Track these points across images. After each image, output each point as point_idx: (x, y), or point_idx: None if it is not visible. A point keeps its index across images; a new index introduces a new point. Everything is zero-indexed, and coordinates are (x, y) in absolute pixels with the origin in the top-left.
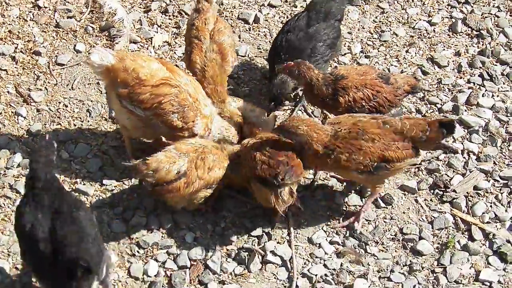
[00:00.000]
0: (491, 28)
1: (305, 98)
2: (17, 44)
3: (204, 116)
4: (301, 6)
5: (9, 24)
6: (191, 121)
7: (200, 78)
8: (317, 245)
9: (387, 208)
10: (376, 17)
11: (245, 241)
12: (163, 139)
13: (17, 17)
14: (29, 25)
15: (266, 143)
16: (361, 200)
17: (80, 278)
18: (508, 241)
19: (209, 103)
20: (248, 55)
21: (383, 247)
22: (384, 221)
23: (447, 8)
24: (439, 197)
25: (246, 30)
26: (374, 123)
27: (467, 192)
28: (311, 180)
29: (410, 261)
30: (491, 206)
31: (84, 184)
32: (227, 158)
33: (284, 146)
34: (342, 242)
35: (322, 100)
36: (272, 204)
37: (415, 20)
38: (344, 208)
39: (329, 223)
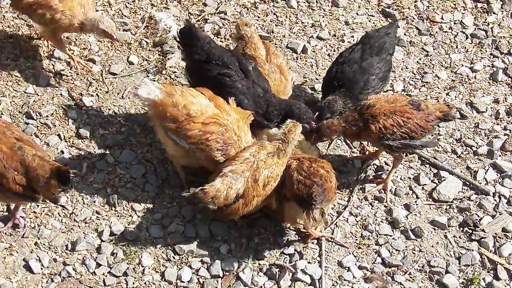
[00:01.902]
0: None
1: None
2: (73, 51)
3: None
4: (348, 42)
5: None
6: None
7: None
8: (347, 268)
9: (416, 240)
10: (420, 59)
11: (277, 257)
12: None
13: None
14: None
15: (303, 164)
16: (392, 231)
17: None
18: None
19: (249, 139)
20: (294, 82)
21: (410, 276)
22: (413, 252)
23: (489, 57)
24: (468, 235)
25: (294, 59)
26: None
27: (495, 233)
28: (345, 206)
29: None
30: None
31: (126, 189)
32: (284, 163)
33: (320, 167)
34: (370, 268)
35: (357, 135)
36: (302, 223)
37: (457, 66)
38: (375, 236)
39: (360, 247)
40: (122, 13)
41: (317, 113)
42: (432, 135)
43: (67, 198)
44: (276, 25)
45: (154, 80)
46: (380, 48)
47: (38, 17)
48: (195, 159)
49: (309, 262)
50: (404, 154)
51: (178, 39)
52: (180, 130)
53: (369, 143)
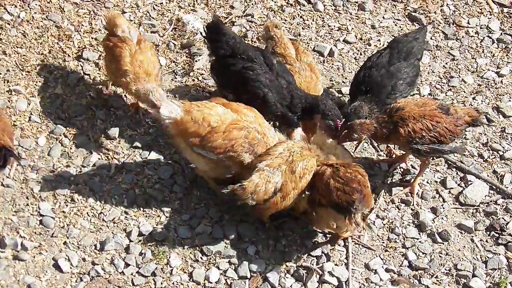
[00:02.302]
0: None
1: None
2: (102, 52)
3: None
4: (374, 45)
5: (95, 32)
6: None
7: None
8: (373, 271)
9: (443, 244)
10: (446, 63)
11: (304, 259)
12: None
13: (103, 26)
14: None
15: (338, 170)
16: (419, 234)
17: None
18: None
19: (273, 132)
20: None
21: (437, 280)
22: (440, 256)
23: None
24: (494, 239)
25: (321, 62)
26: None
27: None
28: (371, 209)
29: None
30: None
31: (155, 190)
32: (315, 159)
33: (356, 172)
34: (397, 271)
35: (386, 138)
36: (343, 227)
37: (483, 70)
38: (402, 239)
39: (387, 250)
40: (150, 15)
41: (344, 118)
42: (460, 141)
43: (96, 198)
44: (302, 28)
45: (182, 83)
46: (408, 53)
47: (106, 61)
48: (226, 168)
49: (336, 264)
50: (431, 158)
51: (204, 34)
52: (205, 143)
53: (396, 146)
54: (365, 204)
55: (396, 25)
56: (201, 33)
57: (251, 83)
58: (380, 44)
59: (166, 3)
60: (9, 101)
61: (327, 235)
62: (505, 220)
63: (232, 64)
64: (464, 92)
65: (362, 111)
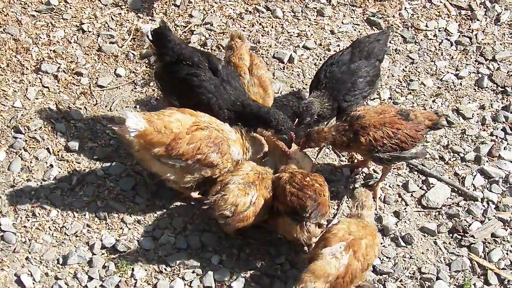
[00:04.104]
0: None
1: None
2: (60, 64)
3: (234, 141)
4: (334, 50)
5: (53, 44)
6: (226, 152)
7: None
8: None
9: (407, 247)
10: (405, 67)
11: (268, 267)
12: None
13: (62, 38)
14: (72, 47)
15: (295, 177)
16: (382, 238)
17: None
18: None
19: (228, 127)
20: (281, 92)
21: (402, 284)
22: (404, 260)
23: (475, 64)
24: (457, 241)
25: (281, 68)
26: None
27: (484, 239)
28: (334, 214)
29: None
30: (507, 253)
31: (116, 202)
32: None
33: (313, 181)
34: None
35: (346, 146)
36: (297, 236)
37: (443, 73)
38: None
39: None
40: (109, 26)
41: (297, 118)
42: (422, 145)
43: (57, 212)
44: (262, 35)
45: (142, 93)
46: (370, 53)
47: None
48: (196, 172)
49: (300, 271)
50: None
51: (150, 39)
52: (171, 151)
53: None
54: (320, 213)
55: (355, 30)
56: (147, 37)
57: (196, 89)
58: (339, 49)
59: (125, 13)
60: None
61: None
62: (467, 222)
63: (176, 71)
64: (424, 95)
65: (313, 107)
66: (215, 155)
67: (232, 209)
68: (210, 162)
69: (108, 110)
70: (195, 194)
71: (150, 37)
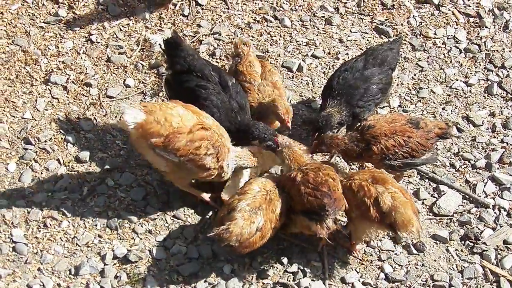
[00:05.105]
0: None
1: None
2: (69, 75)
3: (229, 149)
4: (343, 59)
5: (62, 55)
6: (223, 158)
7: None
8: (350, 284)
9: (419, 255)
10: (415, 75)
11: (280, 276)
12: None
13: (71, 49)
14: (81, 58)
15: (308, 176)
16: (394, 246)
17: None
18: None
19: (227, 135)
20: (290, 101)
21: None
22: (416, 267)
23: (484, 71)
24: (469, 248)
25: (290, 77)
26: None
27: (496, 246)
28: (347, 222)
29: None
30: None
31: (128, 212)
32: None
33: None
34: (374, 284)
35: (358, 156)
36: (316, 232)
37: (452, 80)
38: (377, 252)
39: (363, 263)
40: (117, 36)
41: (316, 132)
42: (432, 152)
43: (69, 222)
44: (270, 45)
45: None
46: (383, 60)
47: None
48: (186, 171)
49: (312, 280)
50: (404, 171)
51: (163, 48)
52: (167, 144)
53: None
54: (337, 208)
55: (363, 38)
56: (160, 46)
57: (202, 101)
58: (348, 57)
59: (133, 24)
60: None
61: (303, 250)
62: (479, 229)
63: (186, 81)
64: (434, 102)
65: (333, 120)
66: (210, 159)
67: (238, 239)
68: (203, 165)
69: (118, 121)
70: (206, 197)
71: (162, 46)
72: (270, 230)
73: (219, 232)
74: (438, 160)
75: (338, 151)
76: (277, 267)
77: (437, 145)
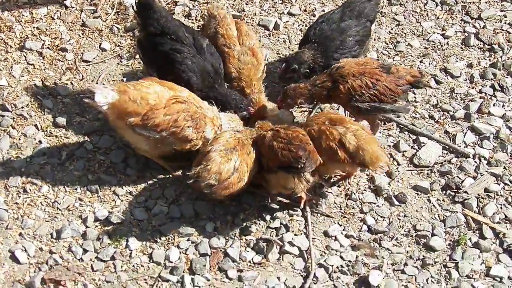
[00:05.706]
0: (502, 43)
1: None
2: (44, 41)
3: (209, 119)
4: (319, 16)
5: (37, 21)
6: (202, 129)
7: (237, 83)
8: (333, 237)
9: (400, 206)
10: (391, 29)
11: (263, 232)
12: None
13: (45, 15)
14: (56, 23)
15: (279, 132)
16: (376, 198)
17: None
18: None
19: (207, 104)
20: (267, 59)
21: (397, 242)
22: (398, 218)
23: (460, 23)
24: (451, 197)
25: (266, 36)
26: None
27: (478, 194)
28: (328, 176)
29: (423, 256)
30: (501, 207)
31: (108, 174)
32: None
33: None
34: (357, 236)
35: (327, 97)
36: (295, 187)
37: (429, 33)
38: (359, 205)
39: (345, 216)
40: (91, 1)
41: (284, 63)
42: (404, 101)
43: (49, 187)
44: (246, 4)
45: (128, 66)
46: (360, 12)
47: None
48: (170, 146)
49: (295, 234)
50: (382, 122)
51: (135, 10)
52: (146, 122)
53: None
54: (312, 160)
55: None
56: (132, 7)
57: (177, 65)
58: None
59: None
60: None
61: (285, 206)
62: (460, 178)
63: (160, 44)
64: (411, 56)
65: (304, 56)
66: (191, 130)
67: (217, 177)
68: (185, 137)
69: (88, 101)
70: (165, 164)
71: (135, 7)
72: (247, 174)
73: (198, 171)
74: (417, 112)
75: (305, 99)
76: (259, 223)
77: (415, 98)
